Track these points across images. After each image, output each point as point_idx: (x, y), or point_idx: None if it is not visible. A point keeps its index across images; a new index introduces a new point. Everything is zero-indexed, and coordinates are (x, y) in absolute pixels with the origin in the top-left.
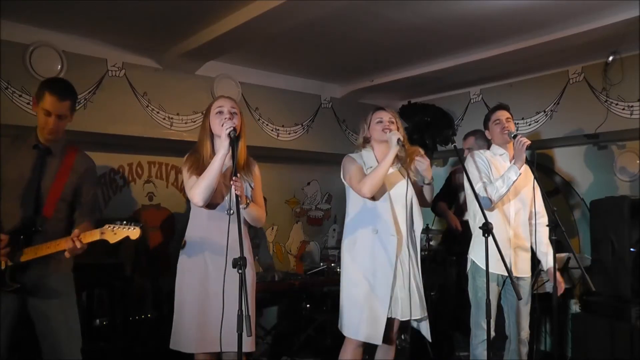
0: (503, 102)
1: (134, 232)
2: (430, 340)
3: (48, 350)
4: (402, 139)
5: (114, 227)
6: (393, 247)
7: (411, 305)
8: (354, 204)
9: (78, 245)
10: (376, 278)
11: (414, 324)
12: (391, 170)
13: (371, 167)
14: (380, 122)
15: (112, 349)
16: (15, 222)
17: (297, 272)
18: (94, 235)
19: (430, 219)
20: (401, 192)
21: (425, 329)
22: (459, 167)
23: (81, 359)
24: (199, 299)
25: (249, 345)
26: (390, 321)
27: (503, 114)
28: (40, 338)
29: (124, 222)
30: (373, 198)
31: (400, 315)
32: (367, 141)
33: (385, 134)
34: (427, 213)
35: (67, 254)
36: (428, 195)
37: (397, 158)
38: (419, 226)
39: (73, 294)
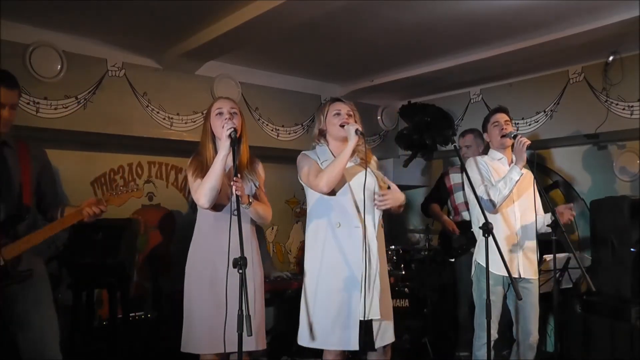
0: (502, 105)
1: (137, 193)
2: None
3: (28, 344)
4: (360, 129)
5: (115, 193)
6: (359, 240)
7: (377, 304)
8: (313, 198)
9: (103, 208)
10: (344, 275)
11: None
12: (350, 164)
13: (326, 160)
14: (338, 114)
15: (112, 349)
16: None
17: (296, 272)
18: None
19: (431, 219)
20: (362, 181)
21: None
22: (452, 168)
23: (59, 354)
24: (209, 300)
25: (261, 343)
26: (369, 323)
27: (502, 117)
28: (20, 334)
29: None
30: (333, 191)
31: (372, 314)
32: (322, 134)
33: (343, 130)
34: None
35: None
36: None
37: (356, 152)
38: (377, 216)
39: (49, 288)
